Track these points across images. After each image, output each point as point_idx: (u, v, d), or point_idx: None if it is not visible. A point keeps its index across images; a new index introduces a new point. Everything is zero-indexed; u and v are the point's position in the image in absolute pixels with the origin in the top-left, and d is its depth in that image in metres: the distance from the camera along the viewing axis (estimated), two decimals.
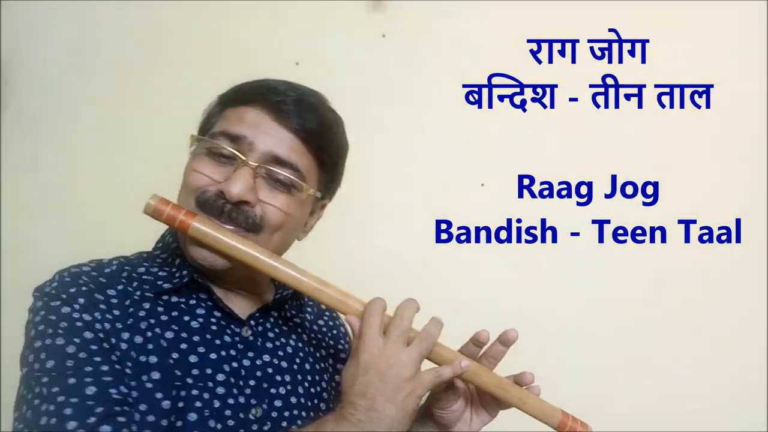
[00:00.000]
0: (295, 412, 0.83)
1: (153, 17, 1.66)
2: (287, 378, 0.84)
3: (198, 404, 0.74)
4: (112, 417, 0.68)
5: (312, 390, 0.88)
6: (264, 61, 1.60)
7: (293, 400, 0.84)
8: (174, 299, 0.81)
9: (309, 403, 0.86)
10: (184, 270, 0.82)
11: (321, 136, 0.85)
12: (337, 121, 0.89)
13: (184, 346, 0.77)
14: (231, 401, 0.77)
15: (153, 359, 0.74)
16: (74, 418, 0.67)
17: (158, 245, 0.88)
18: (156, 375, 0.73)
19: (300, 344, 0.90)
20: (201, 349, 0.78)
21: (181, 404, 0.73)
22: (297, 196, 0.83)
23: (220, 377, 0.77)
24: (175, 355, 0.76)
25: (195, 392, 0.74)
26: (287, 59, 1.61)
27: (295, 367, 0.87)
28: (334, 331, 1.01)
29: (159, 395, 0.72)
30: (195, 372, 0.76)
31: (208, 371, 0.77)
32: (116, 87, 1.65)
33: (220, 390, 0.76)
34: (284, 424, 0.81)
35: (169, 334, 0.77)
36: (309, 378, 0.88)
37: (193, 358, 0.77)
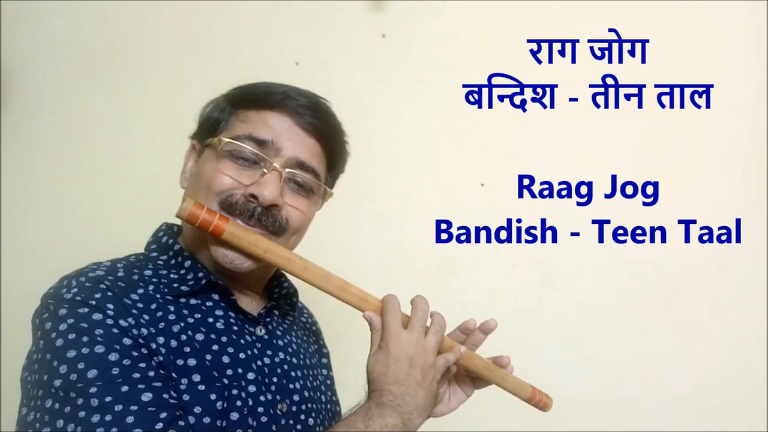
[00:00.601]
0: (309, 405, 0.87)
1: (153, 17, 1.66)
2: (299, 373, 0.88)
3: (238, 403, 0.76)
4: (175, 422, 0.69)
5: (315, 383, 0.92)
6: (264, 61, 1.61)
7: (306, 394, 0.88)
8: (192, 301, 0.81)
9: (315, 396, 0.90)
10: (198, 272, 0.83)
11: (336, 140, 0.91)
12: (343, 127, 0.93)
13: (215, 347, 0.79)
14: (262, 398, 0.80)
15: (192, 362, 0.75)
16: (139, 426, 0.66)
17: (153, 247, 0.88)
18: (197, 377, 0.75)
19: (299, 341, 0.94)
20: (230, 350, 0.80)
21: (225, 404, 0.75)
22: (313, 199, 0.88)
23: (251, 376, 0.80)
24: (209, 357, 0.77)
25: (234, 392, 0.77)
26: (287, 59, 1.61)
27: (301, 362, 0.91)
28: (314, 328, 1.06)
29: (213, 396, 0.74)
30: (229, 372, 0.78)
31: (240, 371, 0.79)
32: (116, 87, 1.64)
33: (252, 388, 0.79)
34: (302, 417, 0.85)
35: (199, 336, 0.78)
36: (312, 372, 0.93)
37: (225, 359, 0.79)
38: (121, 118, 1.63)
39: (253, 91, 0.87)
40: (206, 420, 0.72)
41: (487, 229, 1.55)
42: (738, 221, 1.50)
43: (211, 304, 0.83)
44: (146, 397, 0.68)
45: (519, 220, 1.55)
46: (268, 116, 0.84)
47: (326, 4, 1.62)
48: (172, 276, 0.83)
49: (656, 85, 1.54)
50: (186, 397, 0.72)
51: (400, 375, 0.78)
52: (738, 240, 1.50)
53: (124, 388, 0.68)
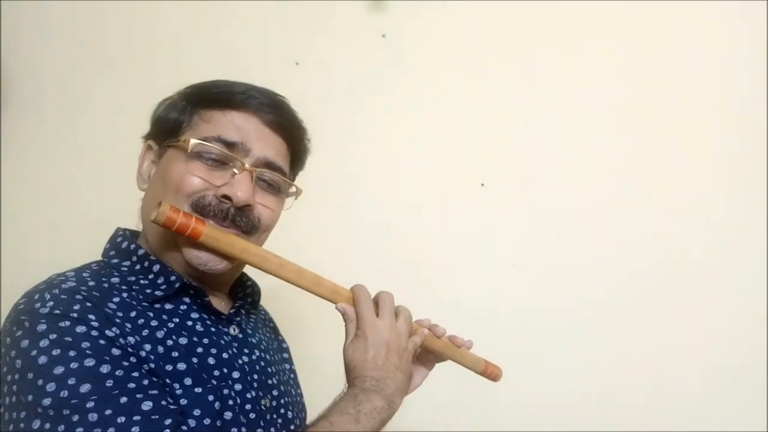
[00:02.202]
0: (287, 399, 0.90)
1: (153, 18, 1.66)
2: (273, 369, 0.91)
3: (230, 402, 0.77)
4: (179, 427, 0.69)
5: (284, 378, 0.95)
6: (264, 61, 1.61)
7: (282, 388, 0.90)
8: (167, 306, 0.81)
9: (288, 390, 0.93)
10: (170, 276, 0.82)
11: (298, 137, 0.92)
12: (303, 122, 0.94)
13: (200, 350, 0.79)
14: (248, 396, 0.81)
15: (181, 366, 0.75)
16: None
17: (111, 253, 0.86)
18: (189, 381, 0.74)
19: (264, 338, 0.96)
20: (213, 351, 0.80)
21: (220, 404, 0.76)
22: (281, 197, 0.89)
23: (236, 375, 0.81)
24: (195, 360, 0.77)
25: (225, 392, 0.77)
26: (287, 59, 1.61)
27: (271, 359, 0.93)
28: (272, 324, 1.08)
29: (210, 397, 0.75)
30: (216, 373, 0.79)
31: (225, 370, 0.80)
32: (116, 87, 1.65)
33: (238, 386, 0.80)
34: (282, 411, 0.87)
35: (182, 340, 0.78)
36: (281, 367, 0.96)
37: (211, 360, 0.79)
38: (121, 117, 1.62)
39: (213, 90, 0.87)
40: (206, 421, 0.73)
41: (487, 229, 1.55)
42: (737, 223, 1.50)
43: (185, 307, 0.82)
44: (146, 405, 0.67)
45: (519, 220, 1.55)
46: (234, 116, 0.84)
47: (326, 4, 1.62)
48: (141, 282, 0.81)
49: (657, 85, 1.54)
50: (183, 401, 0.72)
51: (378, 360, 0.81)
52: (738, 240, 1.50)
53: (123, 399, 0.66)
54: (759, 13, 1.52)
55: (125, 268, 0.83)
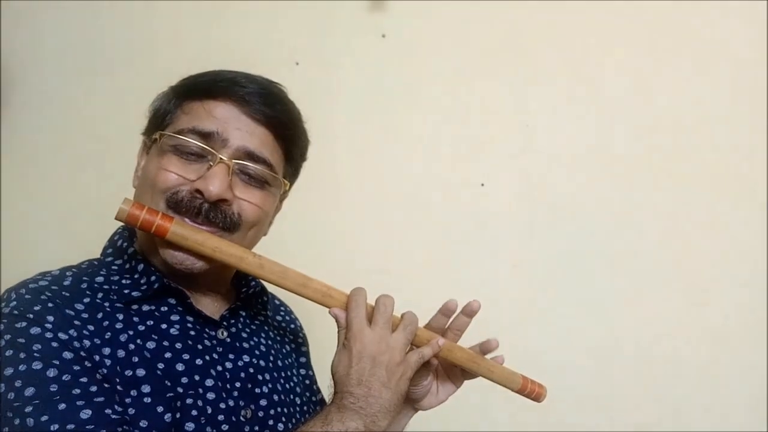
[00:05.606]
0: (279, 409, 0.83)
1: (152, 17, 1.66)
2: (267, 376, 0.84)
3: (194, 413, 0.73)
4: None
5: (287, 386, 0.88)
6: (264, 61, 1.61)
7: (275, 397, 0.84)
8: (145, 307, 0.77)
9: (287, 399, 0.86)
10: (151, 276, 0.79)
11: (290, 128, 0.85)
12: (300, 113, 0.88)
13: (168, 354, 0.75)
14: (222, 405, 0.76)
15: (141, 372, 0.71)
16: None
17: (108, 251, 0.84)
18: (147, 388, 0.71)
19: (269, 342, 0.90)
20: (185, 356, 0.76)
21: (177, 415, 0.71)
22: (269, 190, 0.83)
23: (209, 382, 0.76)
24: (161, 366, 0.73)
25: (189, 401, 0.73)
26: (287, 59, 1.61)
27: (271, 364, 0.87)
28: (292, 326, 1.01)
29: (160, 409, 0.70)
30: (184, 380, 0.74)
31: (197, 378, 0.75)
32: (116, 86, 1.65)
33: (211, 395, 0.75)
34: (270, 422, 0.81)
35: (150, 345, 0.74)
36: (283, 374, 0.89)
37: (180, 366, 0.75)
38: (120, 117, 1.62)
39: (199, 81, 0.83)
40: None
41: (487, 229, 1.55)
42: (738, 221, 1.50)
43: (166, 309, 0.78)
44: (85, 414, 0.65)
45: (519, 220, 1.55)
46: (212, 106, 0.79)
47: (326, 4, 1.62)
48: (124, 282, 0.78)
49: (657, 85, 1.54)
50: (132, 411, 0.68)
51: (362, 375, 0.75)
52: (738, 240, 1.50)
53: (62, 406, 0.64)
54: (759, 13, 1.52)
55: (116, 267, 0.81)
